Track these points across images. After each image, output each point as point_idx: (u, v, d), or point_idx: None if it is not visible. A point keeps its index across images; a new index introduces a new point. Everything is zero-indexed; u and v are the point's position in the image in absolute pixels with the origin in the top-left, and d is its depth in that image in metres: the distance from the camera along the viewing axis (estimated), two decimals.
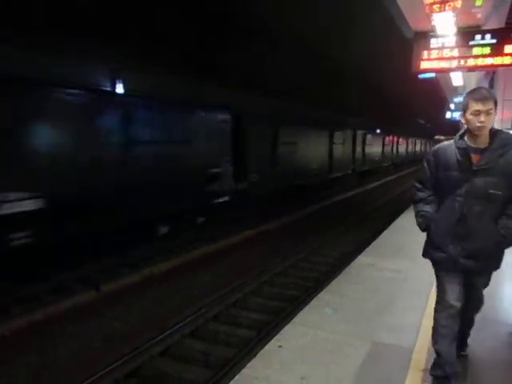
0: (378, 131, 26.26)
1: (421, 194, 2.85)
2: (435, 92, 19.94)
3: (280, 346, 3.50)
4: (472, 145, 2.60)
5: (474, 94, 2.55)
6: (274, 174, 12.98)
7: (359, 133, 22.39)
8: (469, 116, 2.56)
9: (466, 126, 2.67)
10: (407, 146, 39.62)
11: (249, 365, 3.27)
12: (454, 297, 2.74)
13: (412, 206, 2.96)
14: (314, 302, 4.52)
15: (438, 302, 2.84)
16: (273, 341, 3.63)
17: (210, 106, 9.75)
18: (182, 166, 8.91)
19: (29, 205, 5.89)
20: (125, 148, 7.55)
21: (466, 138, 2.66)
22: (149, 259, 7.94)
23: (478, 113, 2.49)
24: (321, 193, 16.90)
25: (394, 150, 33.06)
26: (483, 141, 2.58)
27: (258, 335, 5.06)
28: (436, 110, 27.49)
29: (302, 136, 15.18)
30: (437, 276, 2.88)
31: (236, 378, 3.11)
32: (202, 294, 6.52)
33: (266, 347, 3.53)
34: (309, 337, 3.67)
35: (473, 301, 2.93)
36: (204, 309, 5.76)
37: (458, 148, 2.63)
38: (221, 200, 10.27)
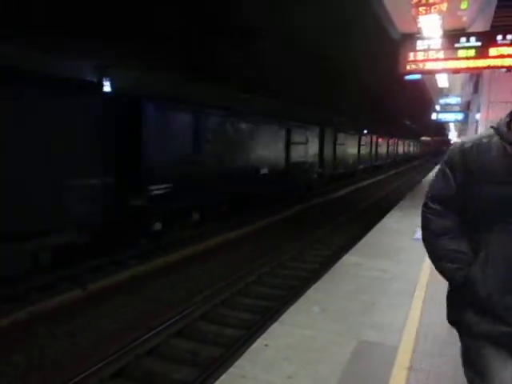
0: (377, 134, 32.87)
1: (443, 222, 1.71)
2: (422, 93, 20.22)
3: (266, 345, 3.52)
4: None
5: None
6: (333, 164, 21.29)
7: (374, 136, 30.71)
8: None
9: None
10: (404, 147, 48.92)
11: (236, 364, 3.28)
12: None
13: (422, 232, 1.79)
14: (301, 301, 4.55)
15: None
16: (259, 339, 3.64)
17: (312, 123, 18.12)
18: (309, 155, 17.75)
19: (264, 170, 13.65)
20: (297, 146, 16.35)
21: None
22: (137, 257, 7.90)
23: None
24: (353, 178, 25.38)
25: (395, 150, 42.46)
26: None
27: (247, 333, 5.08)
28: (422, 111, 27.99)
29: (347, 139, 23.73)
30: (472, 351, 1.65)
31: (223, 377, 3.12)
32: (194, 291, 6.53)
33: (253, 346, 3.54)
34: (295, 335, 3.70)
35: None
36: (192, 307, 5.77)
37: None
38: (315, 176, 18.86)
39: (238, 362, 3.29)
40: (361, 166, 27.27)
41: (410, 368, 3.16)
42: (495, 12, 7.02)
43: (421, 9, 5.78)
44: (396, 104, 28.77)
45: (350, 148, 24.25)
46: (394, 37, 7.34)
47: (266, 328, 4.04)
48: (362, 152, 27.09)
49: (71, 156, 6.80)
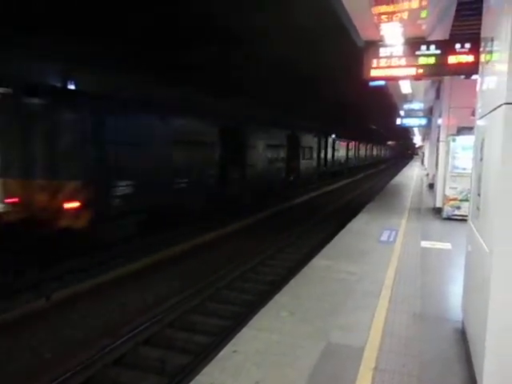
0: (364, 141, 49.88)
1: None
2: (387, 99, 20.72)
3: (235, 351, 3.51)
4: None
5: None
6: (359, 160, 43.07)
7: (371, 144, 52.52)
8: None
9: None
10: (382, 151, 68.25)
11: (204, 371, 3.26)
12: None
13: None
14: (269, 305, 4.56)
15: None
16: (228, 346, 3.63)
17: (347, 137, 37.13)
18: (350, 155, 38.59)
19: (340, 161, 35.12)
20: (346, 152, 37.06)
21: None
22: (101, 265, 7.73)
23: None
24: (364, 168, 44.31)
25: (379, 153, 63.08)
26: None
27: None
28: (388, 116, 28.76)
29: (365, 146, 47.60)
30: None
31: None
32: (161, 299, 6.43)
33: (222, 352, 3.53)
34: (264, 340, 3.71)
35: None
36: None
37: None
38: (351, 166, 38.56)
39: (207, 369, 3.27)
40: (368, 162, 48.47)
41: (376, 368, 3.22)
42: (453, 21, 7.29)
43: (383, 17, 5.93)
44: (364, 110, 29.75)
45: (367, 151, 48.16)
46: (358, 44, 7.50)
47: (235, 333, 4.03)
48: (368, 154, 49.85)
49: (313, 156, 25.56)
